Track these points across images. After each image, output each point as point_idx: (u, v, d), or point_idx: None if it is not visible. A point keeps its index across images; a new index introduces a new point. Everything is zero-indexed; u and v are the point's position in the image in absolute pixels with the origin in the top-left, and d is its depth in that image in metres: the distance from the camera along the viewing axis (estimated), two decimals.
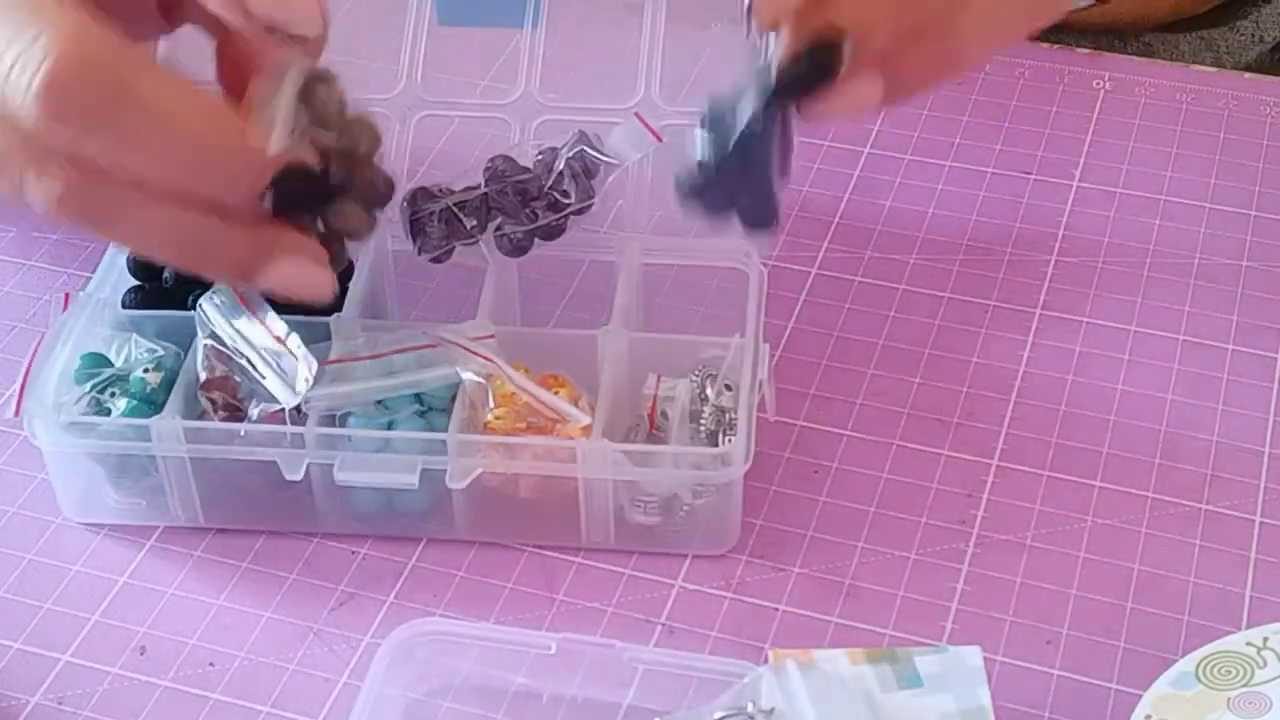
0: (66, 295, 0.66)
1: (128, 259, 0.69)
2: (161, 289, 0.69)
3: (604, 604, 0.62)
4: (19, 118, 0.53)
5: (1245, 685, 0.56)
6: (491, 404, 0.62)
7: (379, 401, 0.63)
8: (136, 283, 0.69)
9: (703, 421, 0.63)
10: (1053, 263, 0.76)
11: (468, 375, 0.62)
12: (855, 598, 0.62)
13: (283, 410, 0.62)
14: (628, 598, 0.62)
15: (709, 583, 0.63)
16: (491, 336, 0.64)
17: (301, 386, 0.61)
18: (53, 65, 0.52)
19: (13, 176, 0.55)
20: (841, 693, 0.57)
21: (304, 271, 0.58)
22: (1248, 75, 0.86)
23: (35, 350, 0.63)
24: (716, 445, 0.62)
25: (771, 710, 0.54)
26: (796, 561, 0.64)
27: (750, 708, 0.54)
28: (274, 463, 0.62)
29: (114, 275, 0.69)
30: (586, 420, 0.62)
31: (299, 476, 0.62)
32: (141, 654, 0.61)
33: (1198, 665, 0.57)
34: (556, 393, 0.62)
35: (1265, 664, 0.57)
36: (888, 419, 0.69)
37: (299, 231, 0.58)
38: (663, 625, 0.62)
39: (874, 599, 0.62)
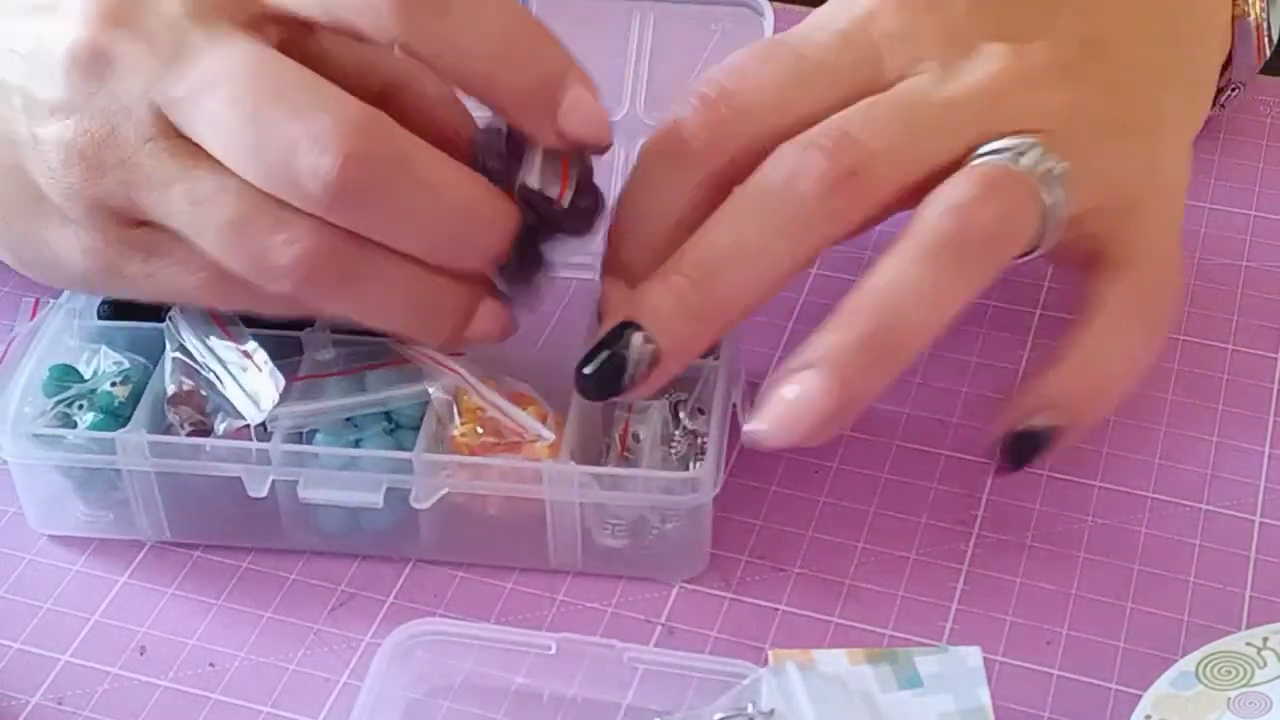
0: (35, 301, 0.66)
1: None
2: (130, 302, 0.67)
3: (604, 604, 0.62)
4: (304, 193, 0.54)
5: (1245, 685, 0.56)
6: (457, 419, 0.62)
7: (348, 419, 0.62)
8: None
9: (674, 445, 0.63)
10: None
11: (434, 390, 0.62)
12: (855, 598, 0.62)
13: (249, 426, 0.61)
14: (628, 598, 0.62)
15: (709, 583, 0.63)
16: (462, 353, 0.63)
17: (267, 404, 0.61)
18: (347, 146, 0.53)
19: (255, 241, 0.55)
20: (841, 694, 0.57)
21: (502, 315, 0.60)
22: None
23: (1, 359, 0.63)
24: (688, 469, 0.62)
25: (771, 712, 0.54)
26: (796, 561, 0.64)
27: (750, 709, 0.54)
28: (233, 480, 0.61)
29: None
30: (551, 437, 0.61)
31: (263, 493, 0.62)
32: (141, 654, 0.61)
33: (1198, 665, 0.57)
34: (524, 410, 0.62)
35: (1265, 664, 0.57)
36: (888, 419, 0.69)
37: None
38: (663, 625, 0.62)
39: (874, 599, 0.62)
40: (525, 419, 0.61)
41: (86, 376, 0.64)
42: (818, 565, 0.63)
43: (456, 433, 0.61)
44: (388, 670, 0.56)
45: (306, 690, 0.59)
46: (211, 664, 0.60)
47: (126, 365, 0.64)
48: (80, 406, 0.63)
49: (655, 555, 0.62)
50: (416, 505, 0.61)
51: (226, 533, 0.64)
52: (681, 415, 0.63)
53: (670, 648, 0.60)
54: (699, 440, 0.63)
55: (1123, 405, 0.69)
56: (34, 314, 0.66)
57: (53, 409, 0.63)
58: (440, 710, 0.58)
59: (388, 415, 0.63)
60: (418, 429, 0.62)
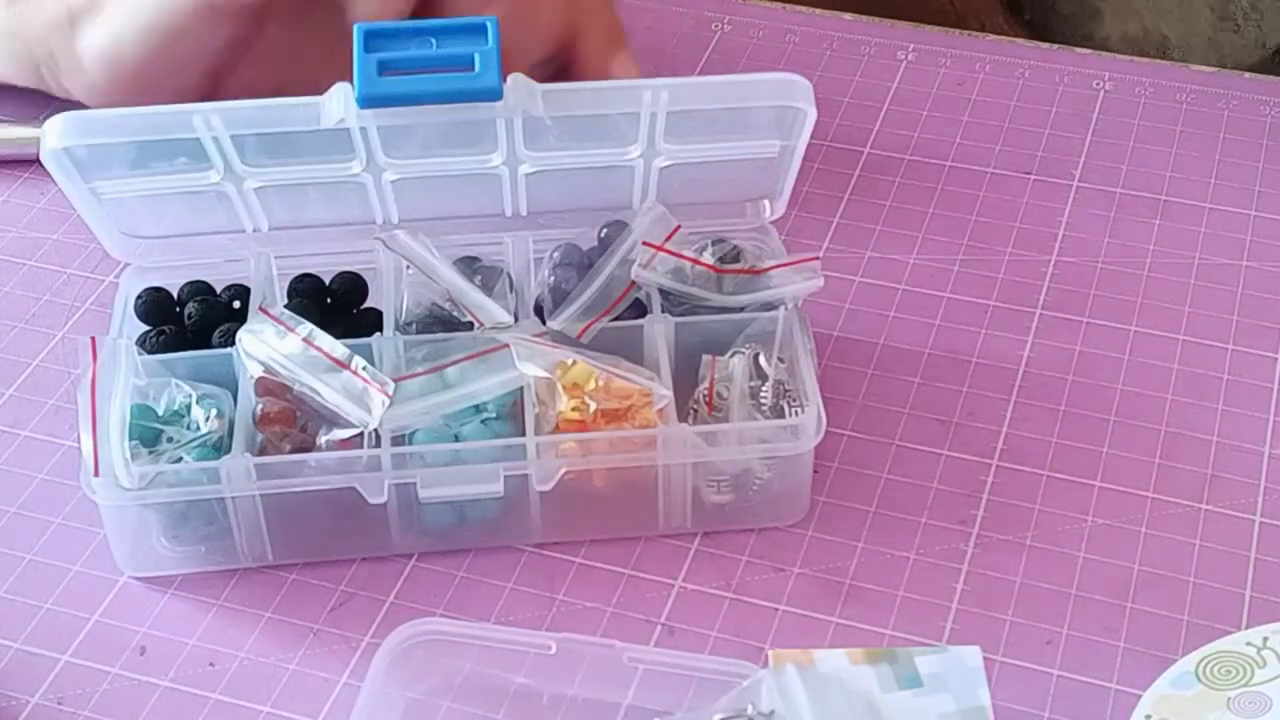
0: (93, 340, 0.63)
1: (136, 305, 0.67)
2: (177, 333, 0.67)
3: (604, 604, 0.62)
4: None
5: (1245, 685, 0.56)
6: (563, 397, 0.62)
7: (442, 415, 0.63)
8: (146, 328, 0.67)
9: (762, 396, 0.64)
10: (1053, 263, 0.76)
11: (534, 371, 0.62)
12: (855, 598, 0.62)
13: (353, 435, 0.61)
14: (628, 598, 0.62)
15: (709, 583, 0.63)
16: (544, 334, 0.64)
17: (379, 408, 0.61)
18: None
19: None
20: (841, 695, 0.57)
21: None
22: (1248, 75, 0.86)
23: (92, 401, 0.61)
24: (782, 417, 0.63)
25: (771, 713, 0.54)
26: (796, 561, 0.64)
27: (750, 710, 0.54)
28: (341, 491, 0.61)
29: (128, 322, 0.67)
30: (669, 393, 0.62)
31: (383, 498, 0.61)
32: (141, 654, 0.61)
33: (1198, 665, 0.57)
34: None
35: (1265, 664, 0.57)
36: (888, 419, 0.69)
37: None
38: (663, 625, 0.62)
39: (874, 599, 0.62)
40: (642, 379, 0.62)
41: (160, 411, 0.63)
42: (818, 565, 0.63)
43: (566, 410, 0.62)
44: (388, 670, 0.56)
45: (306, 690, 0.59)
46: (211, 664, 0.60)
47: (212, 398, 0.63)
48: (170, 440, 0.62)
49: (759, 506, 0.63)
50: (540, 488, 0.62)
51: (331, 548, 0.63)
52: (764, 365, 0.64)
53: (670, 648, 0.60)
54: (783, 388, 0.64)
55: (1122, 405, 0.69)
56: (94, 354, 0.63)
57: (148, 451, 0.62)
58: (440, 710, 0.58)
59: (478, 407, 0.63)
60: (508, 417, 0.62)
